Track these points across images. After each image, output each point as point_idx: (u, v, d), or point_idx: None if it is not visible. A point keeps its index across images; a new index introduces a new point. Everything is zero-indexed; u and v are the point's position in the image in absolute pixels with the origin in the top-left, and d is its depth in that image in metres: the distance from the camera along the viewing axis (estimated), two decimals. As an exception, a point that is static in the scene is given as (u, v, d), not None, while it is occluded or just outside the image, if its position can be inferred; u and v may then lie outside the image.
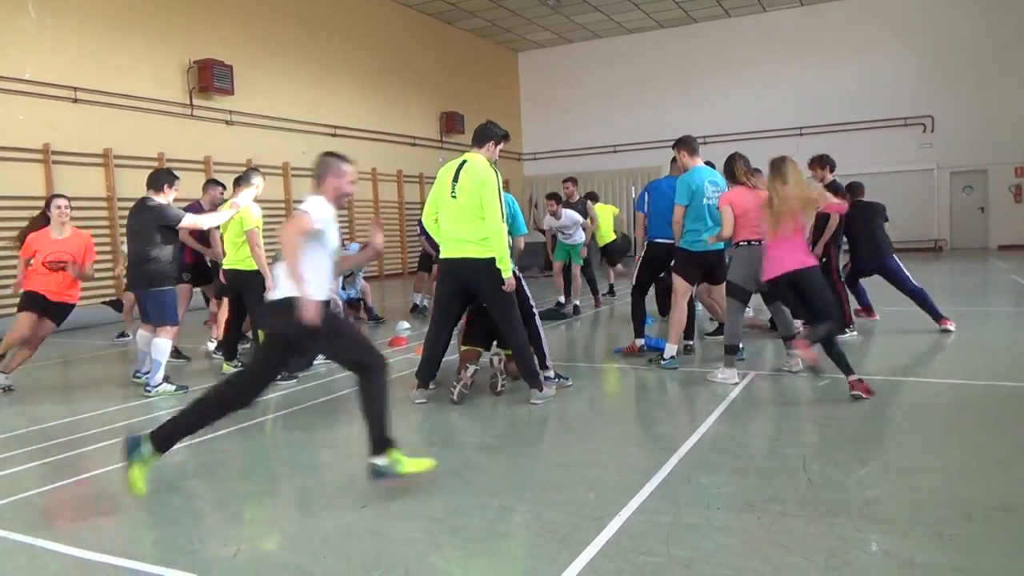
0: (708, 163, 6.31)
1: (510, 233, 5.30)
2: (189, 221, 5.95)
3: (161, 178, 5.95)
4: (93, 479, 3.88)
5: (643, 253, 6.59)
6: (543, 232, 11.04)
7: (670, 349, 6.04)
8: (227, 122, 13.83)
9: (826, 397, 4.98)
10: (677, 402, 5.31)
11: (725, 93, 20.79)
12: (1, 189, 10.47)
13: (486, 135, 5.10)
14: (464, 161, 5.02)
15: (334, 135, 16.23)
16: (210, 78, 13.08)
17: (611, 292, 11.61)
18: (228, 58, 13.52)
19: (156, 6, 12.64)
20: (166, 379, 5.80)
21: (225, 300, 6.94)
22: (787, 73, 20.20)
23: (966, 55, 18.58)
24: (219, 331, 7.26)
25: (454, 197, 4.95)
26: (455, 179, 4.96)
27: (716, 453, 3.88)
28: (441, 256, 5.13)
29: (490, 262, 4.89)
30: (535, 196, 22.26)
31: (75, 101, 11.40)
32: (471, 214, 4.89)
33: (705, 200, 5.87)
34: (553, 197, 9.72)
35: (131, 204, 5.84)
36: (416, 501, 3.36)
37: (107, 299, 10.74)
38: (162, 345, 5.77)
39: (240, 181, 6.40)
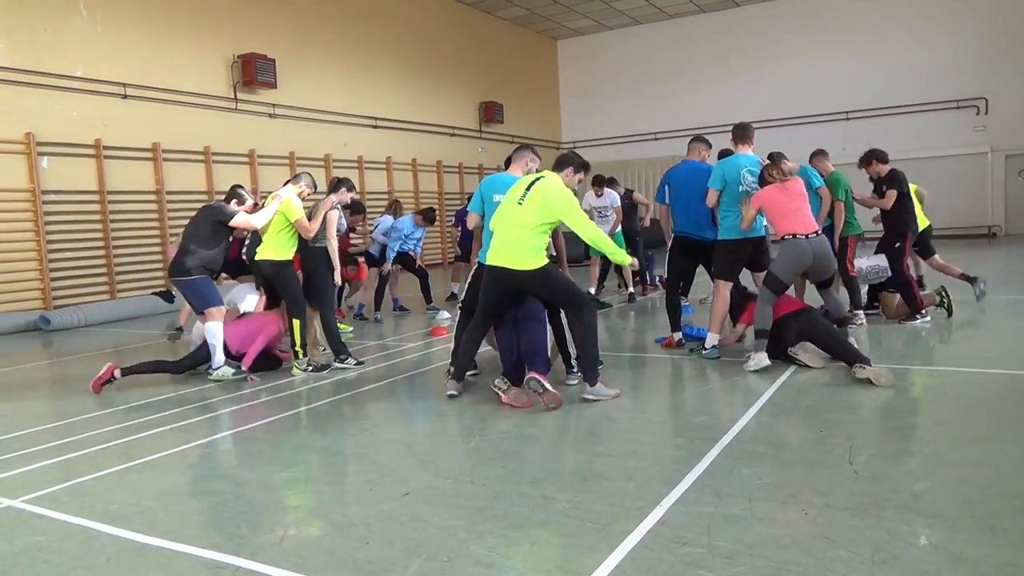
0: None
1: None
2: (241, 219, 6.12)
3: None
4: (146, 464, 4.00)
5: (669, 245, 6.55)
6: None
7: (711, 339, 5.98)
8: (270, 115, 14.04)
9: (872, 388, 4.88)
10: (718, 392, 5.26)
11: (769, 77, 20.37)
12: (58, 184, 10.83)
13: (565, 161, 5.14)
14: (540, 177, 4.98)
15: (375, 127, 16.37)
16: (253, 72, 13.30)
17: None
18: (271, 52, 13.72)
19: (200, 2, 12.87)
20: (227, 363, 5.92)
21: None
22: (833, 55, 19.67)
23: (1021, 33, 17.89)
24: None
25: (520, 204, 4.88)
26: (527, 189, 4.92)
27: (758, 443, 3.84)
28: (488, 261, 4.98)
29: (535, 273, 4.83)
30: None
31: (125, 97, 11.69)
32: (530, 224, 4.81)
33: (741, 188, 5.82)
34: (597, 181, 9.80)
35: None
36: (457, 489, 3.40)
37: (157, 290, 11.03)
38: (213, 328, 5.92)
39: (292, 178, 6.64)
